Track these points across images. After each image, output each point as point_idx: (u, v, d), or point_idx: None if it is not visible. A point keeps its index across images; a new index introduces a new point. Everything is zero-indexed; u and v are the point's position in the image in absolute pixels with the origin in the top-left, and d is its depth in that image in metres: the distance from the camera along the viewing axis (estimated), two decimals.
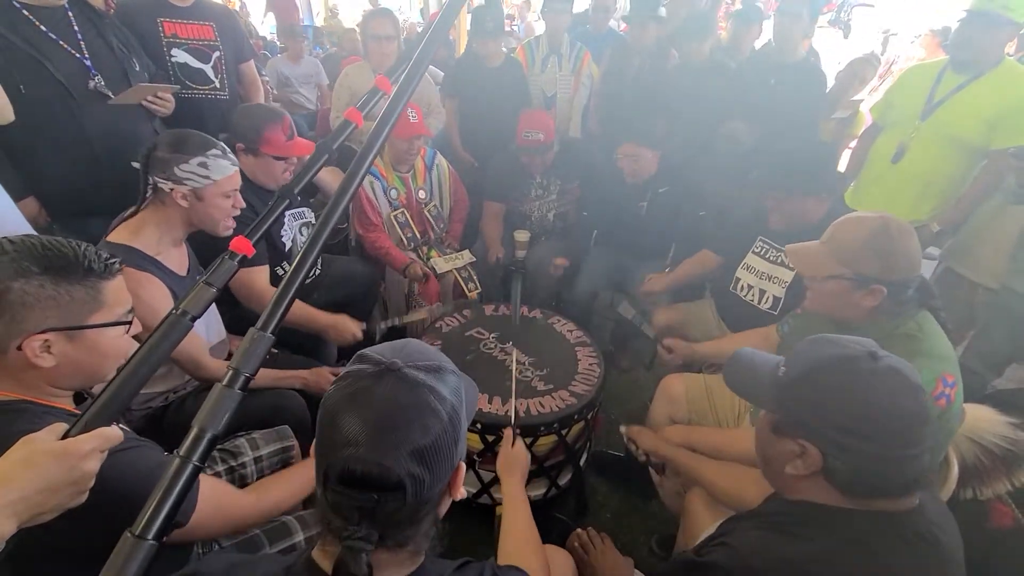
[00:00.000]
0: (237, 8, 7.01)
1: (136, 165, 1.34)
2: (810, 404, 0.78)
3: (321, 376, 1.62)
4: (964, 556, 0.79)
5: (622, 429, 1.56)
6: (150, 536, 0.54)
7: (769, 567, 0.74)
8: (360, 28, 2.83)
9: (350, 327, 1.75)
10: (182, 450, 0.58)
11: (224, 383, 0.61)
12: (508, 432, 1.29)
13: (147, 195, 1.35)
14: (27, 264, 0.79)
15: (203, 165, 1.33)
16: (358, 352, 0.66)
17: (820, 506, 0.79)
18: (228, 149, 1.40)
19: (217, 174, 1.36)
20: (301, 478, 1.13)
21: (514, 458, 1.23)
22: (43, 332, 0.80)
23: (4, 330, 0.79)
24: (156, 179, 1.32)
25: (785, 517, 0.82)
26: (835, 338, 0.82)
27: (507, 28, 6.63)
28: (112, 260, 0.89)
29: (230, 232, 1.46)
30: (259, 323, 0.65)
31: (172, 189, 1.31)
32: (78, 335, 0.84)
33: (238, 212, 1.46)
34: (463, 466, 0.66)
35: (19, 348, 0.79)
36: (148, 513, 0.55)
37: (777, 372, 0.84)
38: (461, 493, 0.67)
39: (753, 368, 0.91)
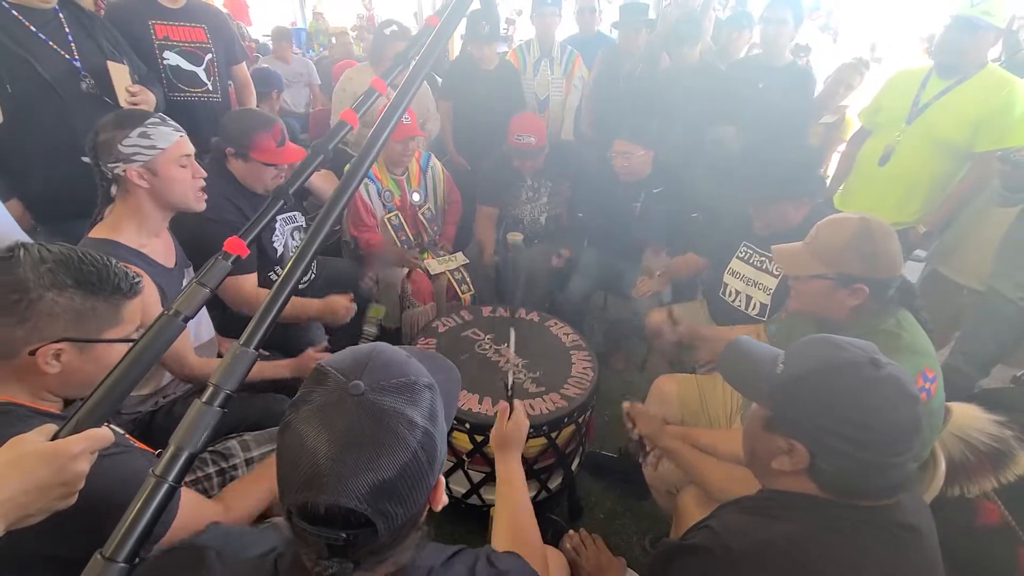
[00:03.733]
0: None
1: (86, 160, 1.31)
2: (807, 406, 0.78)
3: (306, 359, 1.59)
4: (951, 553, 0.81)
5: (625, 405, 1.47)
6: (120, 559, 0.52)
7: (749, 547, 0.76)
8: (373, 45, 2.86)
9: (340, 303, 1.77)
10: (157, 469, 0.56)
11: (204, 400, 0.59)
12: (503, 406, 1.15)
13: (110, 189, 1.32)
14: (63, 277, 0.81)
15: (144, 135, 1.29)
16: (317, 366, 0.59)
17: (800, 494, 0.80)
18: (168, 118, 1.36)
19: (162, 142, 1.31)
20: (266, 485, 1.09)
21: (511, 432, 1.12)
22: (59, 341, 0.81)
23: (24, 335, 0.79)
24: (108, 166, 1.28)
25: (766, 502, 0.84)
26: (837, 340, 0.81)
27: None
28: (137, 280, 0.91)
29: (204, 205, 1.43)
30: (242, 338, 0.63)
31: (125, 171, 1.28)
32: (89, 348, 0.85)
33: (202, 182, 1.42)
34: (442, 480, 0.63)
35: (31, 354, 0.80)
36: (120, 535, 0.53)
37: (775, 369, 0.83)
38: (443, 502, 0.63)
39: (750, 360, 0.89)
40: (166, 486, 0.55)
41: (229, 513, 1.02)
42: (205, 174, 1.43)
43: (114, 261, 0.89)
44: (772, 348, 0.91)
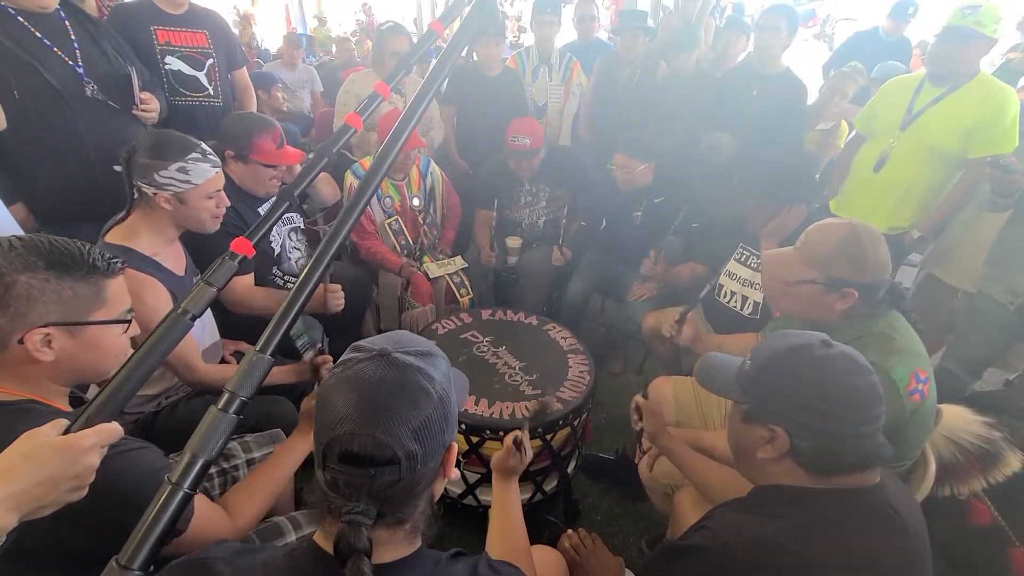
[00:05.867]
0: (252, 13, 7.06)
1: (119, 169, 1.35)
2: (773, 389, 0.86)
3: (305, 364, 1.58)
4: (944, 553, 0.83)
5: (637, 398, 1.40)
6: (136, 566, 0.53)
7: (745, 544, 0.80)
8: (374, 48, 2.93)
9: (334, 295, 1.78)
10: (174, 476, 0.57)
11: (219, 407, 0.60)
12: (509, 438, 1.18)
13: (133, 198, 1.36)
14: (33, 259, 0.82)
15: (182, 170, 1.33)
16: (352, 344, 0.68)
17: (790, 487, 0.86)
18: (208, 150, 1.40)
19: (198, 178, 1.35)
20: (266, 490, 1.10)
21: (515, 465, 1.18)
22: (45, 326, 0.82)
23: (8, 323, 0.80)
24: (139, 183, 1.32)
25: (759, 500, 0.89)
26: (791, 332, 0.91)
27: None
28: (115, 259, 0.91)
29: (217, 227, 1.46)
30: (259, 344, 0.64)
31: (155, 194, 1.32)
32: (79, 331, 0.86)
33: (223, 211, 1.46)
34: (455, 446, 0.68)
35: (20, 342, 0.81)
36: (136, 542, 0.53)
37: (743, 366, 0.92)
38: (455, 473, 0.69)
39: (721, 365, 0.99)
40: (181, 493, 0.56)
41: (236, 521, 1.03)
42: (229, 203, 1.47)
43: (87, 244, 0.89)
44: (739, 357, 0.98)
